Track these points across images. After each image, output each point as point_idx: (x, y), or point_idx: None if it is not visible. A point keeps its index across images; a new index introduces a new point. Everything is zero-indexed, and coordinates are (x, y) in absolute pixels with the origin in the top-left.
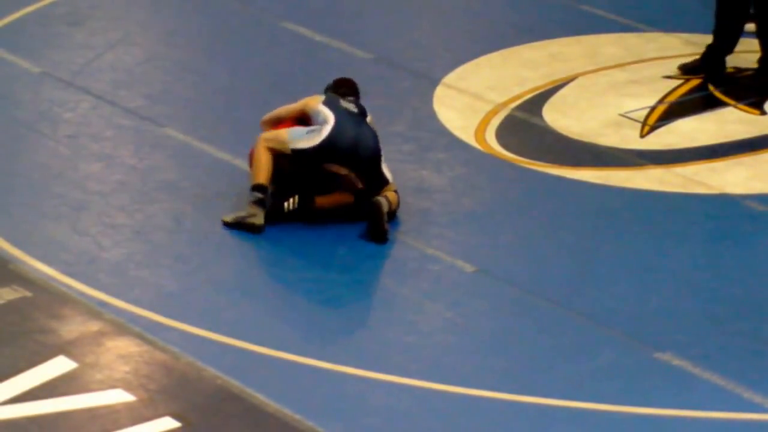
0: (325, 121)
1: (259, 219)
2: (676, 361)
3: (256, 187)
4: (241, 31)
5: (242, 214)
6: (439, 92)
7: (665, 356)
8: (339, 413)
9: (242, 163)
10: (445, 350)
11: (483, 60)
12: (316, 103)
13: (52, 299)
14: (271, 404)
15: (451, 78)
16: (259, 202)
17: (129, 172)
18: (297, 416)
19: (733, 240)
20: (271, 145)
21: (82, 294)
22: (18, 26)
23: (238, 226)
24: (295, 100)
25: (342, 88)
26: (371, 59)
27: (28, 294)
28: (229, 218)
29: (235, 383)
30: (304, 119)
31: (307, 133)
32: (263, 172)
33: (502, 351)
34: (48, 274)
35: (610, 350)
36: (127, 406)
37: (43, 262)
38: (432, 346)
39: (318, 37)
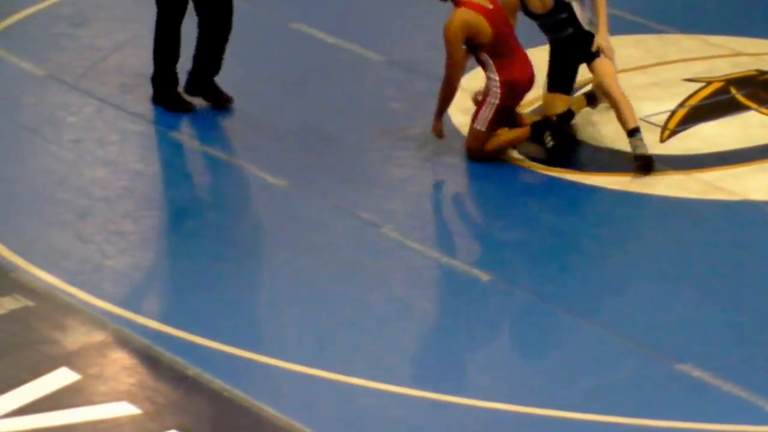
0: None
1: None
2: (697, 373)
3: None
4: (251, 32)
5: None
6: None
7: (686, 368)
8: (351, 426)
9: (249, 166)
10: (460, 361)
11: None
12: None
13: (55, 309)
14: (281, 417)
15: (465, 81)
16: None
17: (134, 178)
18: (307, 429)
19: (756, 248)
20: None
21: (86, 303)
22: (21, 28)
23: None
24: (303, 102)
25: None
26: (384, 62)
27: (30, 303)
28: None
29: (243, 395)
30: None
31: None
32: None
33: (519, 362)
34: (51, 283)
35: (630, 362)
36: (133, 419)
37: (46, 271)
38: (447, 357)
39: (330, 39)
